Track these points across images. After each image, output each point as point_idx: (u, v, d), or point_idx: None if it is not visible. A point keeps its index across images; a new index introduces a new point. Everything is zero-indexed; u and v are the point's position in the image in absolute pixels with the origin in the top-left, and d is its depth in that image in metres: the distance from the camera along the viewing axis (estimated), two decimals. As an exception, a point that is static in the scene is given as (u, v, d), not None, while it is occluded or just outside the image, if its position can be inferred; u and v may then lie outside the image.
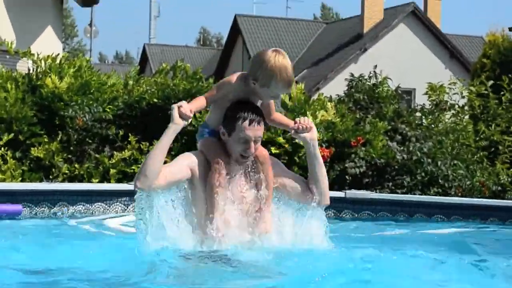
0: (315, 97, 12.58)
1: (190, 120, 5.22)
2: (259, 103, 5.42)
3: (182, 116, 5.11)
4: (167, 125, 5.18)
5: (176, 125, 5.15)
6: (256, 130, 5.17)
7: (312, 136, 5.46)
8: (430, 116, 12.93)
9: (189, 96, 10.52)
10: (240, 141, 5.16)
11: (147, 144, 10.22)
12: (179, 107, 5.13)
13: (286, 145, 10.62)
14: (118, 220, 8.27)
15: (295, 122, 5.43)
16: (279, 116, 5.68)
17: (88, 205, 8.55)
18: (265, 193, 5.35)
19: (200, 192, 5.25)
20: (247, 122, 5.14)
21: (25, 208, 8.34)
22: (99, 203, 8.59)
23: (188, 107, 5.14)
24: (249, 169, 5.37)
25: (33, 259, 5.67)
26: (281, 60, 5.20)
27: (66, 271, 5.19)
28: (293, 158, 10.67)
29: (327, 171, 10.76)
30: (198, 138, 5.60)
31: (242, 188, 5.33)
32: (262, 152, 5.41)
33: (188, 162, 5.25)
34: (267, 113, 5.50)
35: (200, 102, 5.31)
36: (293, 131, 5.48)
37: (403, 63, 38.05)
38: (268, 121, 5.56)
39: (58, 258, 5.67)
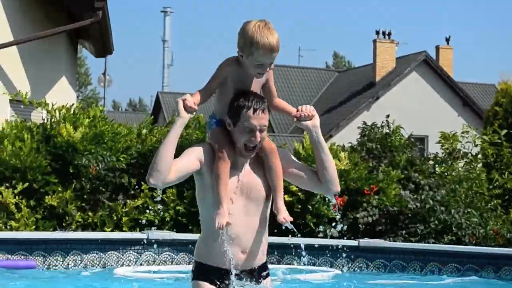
0: (328, 145, 12.64)
1: (194, 113, 5.18)
2: (259, 90, 5.37)
3: (187, 109, 5.06)
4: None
5: (182, 119, 5.08)
6: (260, 119, 5.11)
7: (314, 123, 5.34)
8: (443, 165, 12.94)
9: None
10: (245, 130, 5.08)
11: (160, 192, 10.26)
12: (183, 100, 5.10)
13: (299, 193, 10.64)
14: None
15: (297, 110, 5.34)
16: (282, 102, 5.56)
17: (101, 254, 8.57)
18: (273, 184, 5.26)
19: (208, 182, 5.16)
20: (251, 110, 5.08)
21: (38, 258, 8.37)
22: (112, 252, 8.60)
23: (192, 100, 5.11)
24: (256, 160, 5.28)
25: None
26: (261, 25, 5.17)
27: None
28: (306, 206, 10.70)
29: (341, 219, 10.88)
30: (207, 129, 5.55)
31: (249, 178, 5.23)
32: (269, 143, 5.33)
33: (196, 153, 5.15)
34: (269, 98, 5.44)
35: (202, 93, 5.27)
36: (295, 119, 5.38)
37: (416, 111, 38.10)
38: (271, 107, 5.45)
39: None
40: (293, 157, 5.57)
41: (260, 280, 5.32)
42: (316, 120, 5.35)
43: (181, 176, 5.13)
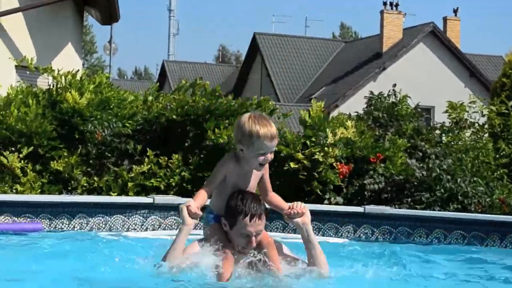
0: (334, 114, 12.64)
1: (200, 214, 5.24)
2: (255, 186, 5.51)
3: (191, 215, 5.17)
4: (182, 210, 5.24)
5: (187, 226, 5.22)
6: (257, 226, 5.20)
7: (304, 220, 5.45)
8: (450, 134, 12.94)
9: (208, 112, 10.59)
10: (241, 236, 5.19)
11: (166, 158, 10.29)
12: (187, 207, 5.18)
13: (305, 161, 10.65)
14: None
15: (289, 207, 5.45)
16: (275, 197, 5.66)
17: (107, 217, 8.60)
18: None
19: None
20: (248, 218, 5.15)
21: (44, 220, 8.40)
22: (118, 215, 8.64)
23: (195, 205, 5.19)
24: (254, 255, 5.32)
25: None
26: (257, 116, 5.29)
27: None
28: (312, 174, 10.70)
29: (346, 187, 10.90)
30: (204, 223, 5.62)
31: (249, 271, 5.30)
32: (266, 238, 5.42)
33: (198, 247, 5.33)
34: (264, 193, 5.57)
35: (203, 196, 5.34)
36: (286, 216, 5.50)
37: (422, 81, 38.05)
38: (265, 200, 5.56)
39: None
40: (286, 250, 5.66)
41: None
42: (307, 218, 5.47)
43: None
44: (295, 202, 5.53)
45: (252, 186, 5.44)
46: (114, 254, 5.87)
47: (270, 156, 5.24)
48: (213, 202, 5.49)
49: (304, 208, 5.47)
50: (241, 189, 5.36)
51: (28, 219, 8.37)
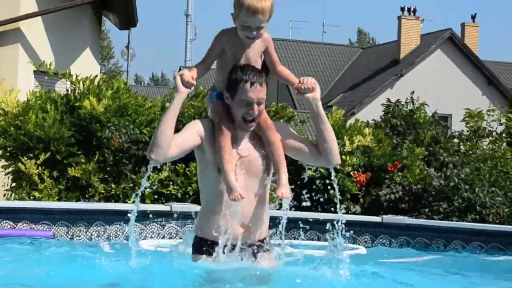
0: (351, 121, 12.61)
1: (194, 86, 5.19)
2: (258, 58, 5.37)
3: (185, 84, 5.09)
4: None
5: (181, 94, 5.12)
6: (258, 92, 5.12)
7: (315, 95, 5.34)
8: (468, 143, 12.91)
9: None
10: (243, 104, 5.10)
11: (183, 166, 10.27)
12: (181, 76, 5.13)
13: (322, 169, 10.63)
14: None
15: (299, 81, 5.34)
16: (285, 70, 5.54)
17: (125, 225, 8.60)
18: (275, 158, 5.26)
19: (210, 157, 5.17)
20: (248, 84, 5.09)
21: (61, 228, 8.40)
22: (135, 223, 8.65)
23: (190, 74, 5.13)
24: (255, 135, 5.27)
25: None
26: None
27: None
28: (329, 182, 10.68)
29: (363, 196, 10.87)
30: (208, 101, 5.60)
31: (248, 152, 5.23)
32: (265, 120, 5.30)
33: (197, 129, 5.16)
34: (272, 66, 5.46)
35: (198, 67, 5.30)
36: (296, 90, 5.41)
37: (439, 89, 37.99)
38: (274, 74, 5.48)
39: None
40: (292, 131, 5.56)
41: (257, 255, 5.31)
42: (317, 93, 5.35)
43: (182, 151, 5.17)
44: (306, 77, 5.42)
45: (254, 59, 5.33)
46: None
47: (256, 33, 5.15)
48: (216, 79, 5.42)
49: (314, 83, 5.36)
50: (243, 63, 5.28)
51: (46, 227, 8.38)
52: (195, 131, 5.18)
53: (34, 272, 6.25)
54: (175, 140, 5.09)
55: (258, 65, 5.34)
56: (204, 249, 5.24)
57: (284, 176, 5.24)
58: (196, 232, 5.36)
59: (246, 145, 5.24)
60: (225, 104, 5.23)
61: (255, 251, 5.29)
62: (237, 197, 5.00)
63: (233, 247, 5.19)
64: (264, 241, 5.37)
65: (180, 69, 64.03)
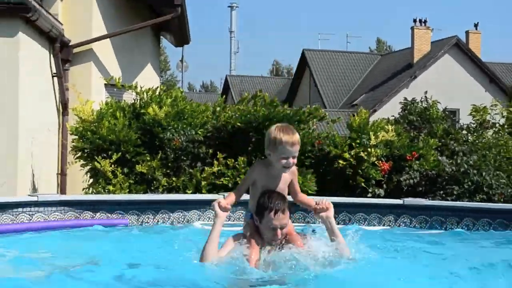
0: (372, 118, 12.60)
1: (230, 210, 5.41)
2: (286, 188, 5.54)
3: (222, 209, 5.31)
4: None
5: (220, 218, 5.36)
6: (281, 220, 5.25)
7: (328, 214, 5.52)
8: (475, 134, 12.83)
9: (267, 120, 10.56)
10: (269, 229, 5.26)
11: (233, 160, 10.28)
12: (218, 203, 5.32)
13: (351, 160, 10.63)
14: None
15: (316, 203, 5.54)
16: (304, 197, 5.76)
17: (185, 212, 8.63)
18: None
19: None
20: (272, 213, 5.22)
21: (132, 216, 8.45)
22: (194, 210, 8.66)
23: (225, 202, 5.32)
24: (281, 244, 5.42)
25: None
26: (283, 127, 5.38)
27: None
28: (357, 170, 10.68)
29: (386, 182, 10.82)
30: (244, 220, 5.80)
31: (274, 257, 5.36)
32: (291, 232, 5.49)
33: (232, 243, 5.40)
34: (294, 195, 5.63)
35: (232, 196, 5.46)
36: (313, 211, 5.60)
37: (448, 87, 37.65)
38: (295, 201, 5.68)
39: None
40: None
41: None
42: (331, 212, 5.53)
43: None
44: (321, 199, 5.61)
45: (281, 188, 5.47)
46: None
47: (293, 161, 5.29)
48: (250, 203, 5.55)
49: (328, 204, 5.53)
50: (270, 190, 5.42)
51: (120, 216, 8.44)
52: (231, 243, 5.45)
53: (117, 253, 6.37)
54: (219, 254, 5.34)
55: (285, 193, 5.52)
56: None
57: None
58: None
59: (274, 252, 5.38)
60: (255, 224, 5.45)
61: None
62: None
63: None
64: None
65: (226, 78, 64.41)
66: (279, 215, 5.23)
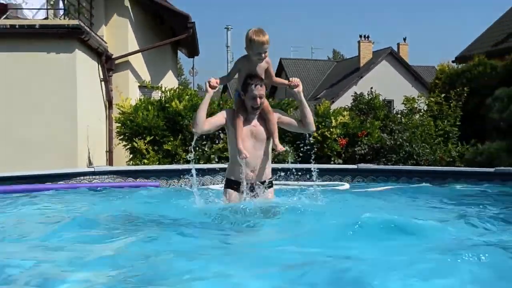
0: (332, 107, 12.60)
1: (217, 88, 5.26)
2: (263, 74, 5.37)
3: (211, 86, 5.18)
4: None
5: (209, 93, 5.21)
6: (259, 90, 5.19)
7: (299, 89, 5.37)
8: (407, 117, 12.84)
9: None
10: (251, 98, 5.17)
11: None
12: (208, 81, 5.22)
13: (319, 137, 10.64)
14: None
15: (289, 80, 5.38)
16: (278, 79, 5.63)
17: (201, 177, 8.63)
18: (271, 130, 5.29)
19: (231, 131, 5.26)
20: (253, 85, 5.16)
21: (162, 180, 8.44)
22: (207, 176, 8.65)
23: (214, 80, 5.24)
24: (260, 117, 5.32)
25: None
26: (256, 30, 5.21)
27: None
28: (323, 145, 10.69)
29: (344, 153, 10.81)
30: (233, 97, 5.69)
31: (256, 127, 5.28)
32: (267, 107, 5.37)
33: (222, 114, 5.31)
34: (270, 78, 5.45)
35: (223, 79, 5.40)
36: (288, 87, 5.42)
37: (385, 84, 37.54)
38: (272, 83, 5.54)
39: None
40: (285, 114, 5.61)
41: (265, 189, 5.41)
42: (300, 87, 5.38)
43: (213, 127, 5.29)
44: (293, 78, 5.47)
45: (259, 72, 5.34)
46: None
47: (265, 55, 5.21)
48: (238, 85, 5.44)
49: (298, 82, 5.41)
50: (251, 73, 5.33)
51: (152, 180, 8.43)
52: (221, 115, 5.33)
53: (147, 205, 6.40)
54: (208, 120, 5.22)
55: (262, 76, 5.36)
56: (231, 185, 5.37)
57: (276, 139, 5.30)
58: (227, 176, 5.48)
59: (254, 122, 5.29)
60: (241, 100, 5.30)
61: (262, 186, 5.38)
62: (243, 157, 5.15)
63: (252, 185, 5.31)
64: (267, 181, 5.41)
65: (225, 84, 64.08)
66: (257, 87, 5.20)
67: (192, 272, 3.45)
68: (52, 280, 3.33)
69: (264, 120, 5.34)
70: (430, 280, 3.17)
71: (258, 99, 5.21)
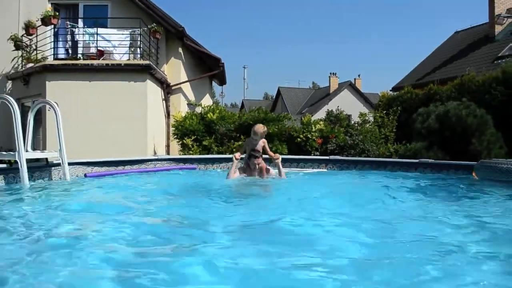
0: (312, 118, 12.48)
1: (239, 158, 5.69)
2: (261, 148, 5.80)
3: (236, 158, 5.61)
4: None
5: (234, 162, 5.63)
6: (256, 153, 5.69)
7: (278, 161, 5.77)
8: (361, 125, 12.66)
9: (264, 119, 10.39)
10: (251, 163, 5.64)
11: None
12: (234, 156, 5.66)
13: (303, 138, 10.47)
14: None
15: (274, 155, 5.80)
16: (270, 153, 5.90)
17: (226, 163, 8.52)
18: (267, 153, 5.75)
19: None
20: (253, 156, 5.63)
21: (200, 165, 8.33)
22: (224, 163, 8.55)
23: (237, 155, 5.68)
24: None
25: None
26: (256, 126, 5.78)
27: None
28: (306, 143, 10.51)
29: (320, 148, 10.63)
30: (243, 162, 5.99)
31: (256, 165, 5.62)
32: (264, 164, 5.79)
33: (237, 173, 5.71)
34: (265, 151, 5.81)
35: (240, 151, 5.83)
36: (272, 159, 5.79)
37: (346, 104, 37.21)
38: (266, 153, 5.85)
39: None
40: (272, 172, 5.89)
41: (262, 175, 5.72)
42: (279, 160, 5.79)
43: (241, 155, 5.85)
44: (276, 154, 5.89)
45: (258, 148, 5.71)
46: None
47: (261, 139, 5.72)
48: (245, 156, 5.81)
49: (278, 156, 5.81)
50: (253, 149, 5.71)
51: (191, 164, 8.30)
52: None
53: (189, 180, 6.34)
54: (233, 176, 5.59)
55: (260, 149, 5.78)
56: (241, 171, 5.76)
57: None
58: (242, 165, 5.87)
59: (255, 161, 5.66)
60: (247, 163, 5.73)
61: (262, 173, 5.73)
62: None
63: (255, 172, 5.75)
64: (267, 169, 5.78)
65: (242, 102, 63.89)
66: (256, 156, 5.57)
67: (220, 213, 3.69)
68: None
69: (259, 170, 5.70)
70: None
71: (256, 162, 5.67)
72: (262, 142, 5.81)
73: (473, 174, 6.25)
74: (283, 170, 5.92)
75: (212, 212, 3.78)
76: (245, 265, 2.28)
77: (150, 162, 7.81)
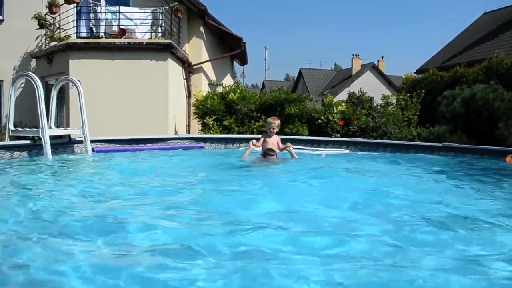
0: (334, 100, 12.25)
1: (253, 146, 5.79)
2: (276, 141, 5.97)
3: (253, 144, 5.76)
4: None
5: (249, 148, 5.82)
6: (272, 145, 5.88)
7: (290, 148, 5.94)
8: (383, 108, 12.39)
9: (285, 100, 10.25)
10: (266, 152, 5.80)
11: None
12: (252, 142, 5.79)
13: (325, 119, 10.31)
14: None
15: (287, 146, 5.93)
16: (282, 146, 5.99)
17: (238, 143, 8.45)
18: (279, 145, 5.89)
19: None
20: (268, 155, 5.80)
21: (221, 145, 8.28)
22: (245, 142, 8.49)
23: (255, 143, 5.81)
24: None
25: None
26: (270, 118, 6.04)
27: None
28: (327, 125, 10.34)
29: (342, 130, 10.48)
30: (259, 154, 6.06)
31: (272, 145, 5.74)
32: (278, 141, 6.00)
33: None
34: (278, 145, 5.96)
35: (258, 142, 5.89)
36: (286, 148, 5.91)
37: (369, 86, 36.55)
38: (279, 149, 5.95)
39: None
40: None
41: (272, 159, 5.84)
42: (291, 147, 5.96)
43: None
44: (288, 143, 6.05)
45: (273, 142, 5.90)
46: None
47: (274, 130, 5.85)
48: (260, 148, 5.96)
49: (290, 144, 6.01)
50: (267, 142, 5.89)
51: (211, 144, 8.25)
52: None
53: (199, 159, 6.39)
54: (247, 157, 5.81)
55: (274, 144, 5.93)
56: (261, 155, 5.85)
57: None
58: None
59: (271, 141, 5.88)
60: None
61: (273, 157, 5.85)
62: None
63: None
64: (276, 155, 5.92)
65: (263, 82, 63.41)
66: (270, 151, 5.76)
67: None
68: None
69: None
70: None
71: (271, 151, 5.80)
72: (276, 140, 6.03)
73: (508, 159, 6.02)
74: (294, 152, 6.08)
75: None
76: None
77: (170, 141, 7.82)
